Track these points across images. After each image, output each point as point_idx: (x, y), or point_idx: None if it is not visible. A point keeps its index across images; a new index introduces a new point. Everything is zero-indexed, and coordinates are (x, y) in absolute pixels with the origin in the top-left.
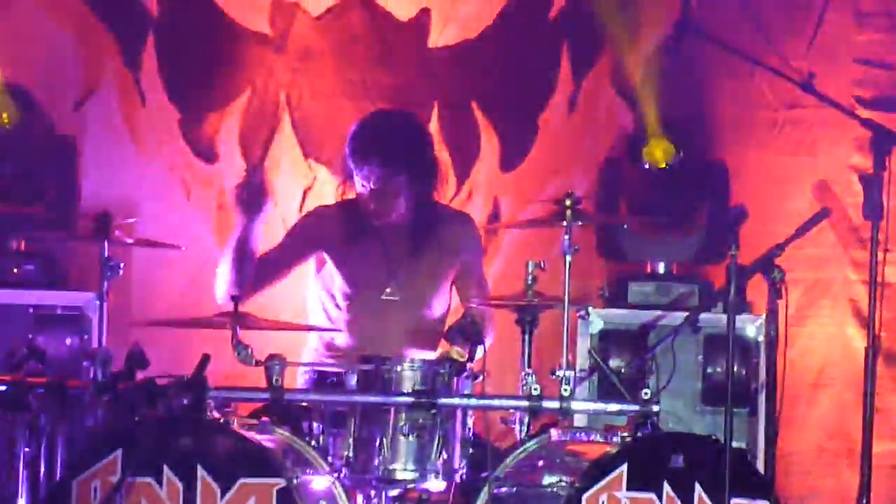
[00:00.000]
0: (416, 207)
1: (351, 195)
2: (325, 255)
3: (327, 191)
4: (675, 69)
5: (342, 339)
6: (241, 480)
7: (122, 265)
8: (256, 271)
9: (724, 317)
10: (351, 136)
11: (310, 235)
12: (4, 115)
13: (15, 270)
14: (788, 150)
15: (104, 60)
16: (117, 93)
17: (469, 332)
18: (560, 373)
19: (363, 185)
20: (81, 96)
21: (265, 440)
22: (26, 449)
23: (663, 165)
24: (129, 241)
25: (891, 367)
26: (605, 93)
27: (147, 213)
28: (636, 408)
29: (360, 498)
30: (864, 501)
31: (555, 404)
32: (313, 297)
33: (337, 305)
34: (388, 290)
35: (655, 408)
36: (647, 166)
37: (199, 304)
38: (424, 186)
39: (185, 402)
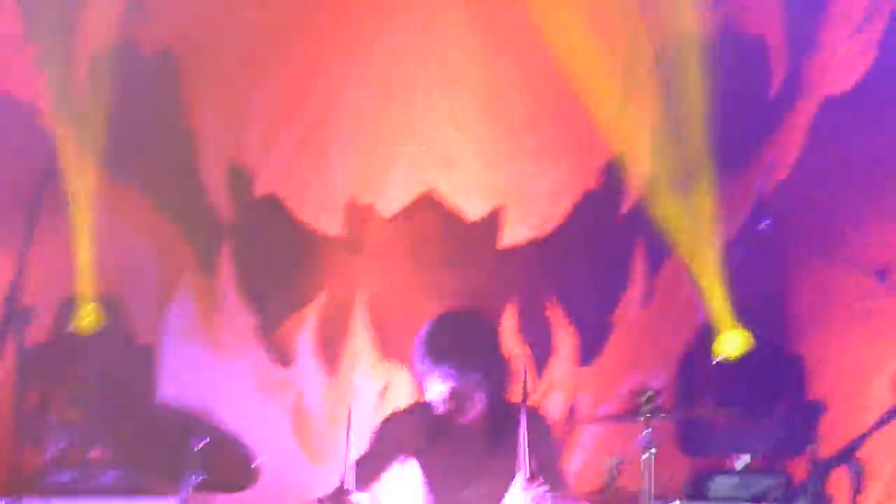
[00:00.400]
0: (489, 407)
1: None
2: (405, 460)
3: (405, 391)
4: (750, 262)
5: None
6: None
7: (195, 479)
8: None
9: None
10: (420, 339)
11: (388, 442)
12: (86, 322)
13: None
14: (867, 342)
15: (181, 269)
16: (194, 299)
17: None
18: None
19: (436, 388)
20: (158, 304)
21: None
22: None
23: (736, 357)
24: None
25: None
26: (682, 286)
27: (224, 417)
28: None
29: None
30: None
31: None
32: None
33: None
34: (465, 493)
35: None
36: (721, 359)
37: None
38: (497, 386)
39: None
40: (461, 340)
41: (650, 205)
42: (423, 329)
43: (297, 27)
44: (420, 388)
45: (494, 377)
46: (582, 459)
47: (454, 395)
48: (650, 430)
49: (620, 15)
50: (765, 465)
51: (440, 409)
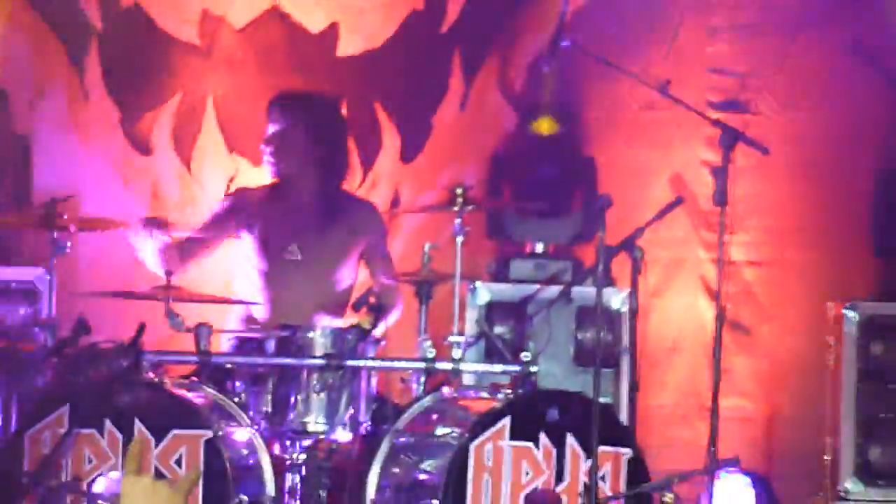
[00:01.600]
0: (324, 193)
1: (262, 182)
2: (245, 232)
3: (248, 179)
4: (554, 76)
5: (260, 313)
6: (174, 432)
7: (68, 245)
8: (185, 247)
9: (593, 290)
10: (269, 111)
11: (231, 212)
12: None
13: None
14: (648, 147)
15: (54, 65)
16: (65, 93)
17: (373, 304)
18: (452, 338)
19: (268, 143)
20: (34, 96)
21: (194, 397)
22: None
23: (549, 134)
24: (72, 228)
25: (734, 333)
26: (492, 96)
27: (91, 199)
28: (517, 368)
29: (277, 447)
30: (713, 449)
31: (447, 366)
32: (238, 272)
33: (256, 279)
34: (290, 248)
35: (534, 368)
36: (534, 138)
37: (137, 279)
38: (333, 173)
39: (125, 364)
40: (294, 96)
41: (468, 22)
42: (271, 103)
43: None
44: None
45: (335, 160)
46: (403, 244)
47: (277, 144)
48: (461, 219)
49: None
50: (559, 251)
51: (269, 154)
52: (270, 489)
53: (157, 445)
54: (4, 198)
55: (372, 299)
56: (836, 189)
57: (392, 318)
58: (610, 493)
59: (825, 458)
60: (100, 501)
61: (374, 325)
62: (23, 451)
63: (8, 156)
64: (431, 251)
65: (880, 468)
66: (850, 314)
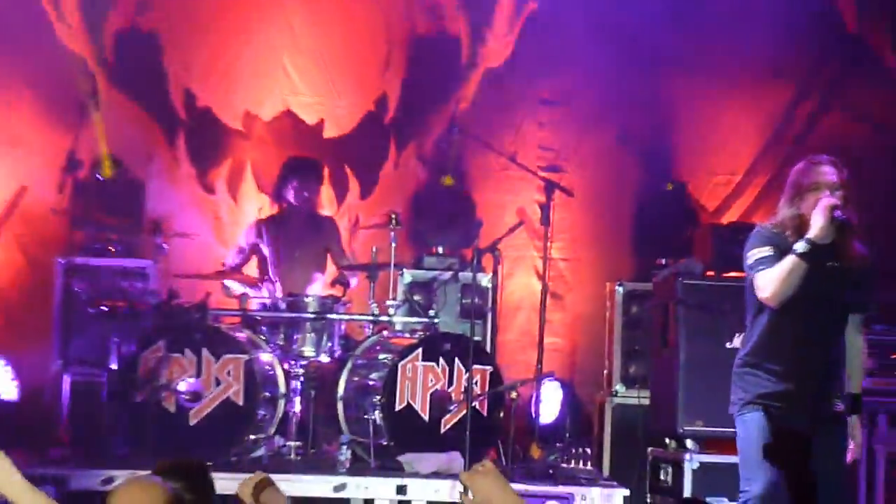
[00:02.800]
0: (309, 215)
1: (273, 211)
2: (263, 244)
3: (267, 209)
4: (449, 146)
5: (275, 286)
6: (225, 356)
7: (166, 246)
8: (237, 256)
9: (471, 274)
10: (288, 167)
11: (253, 234)
12: (107, 171)
13: (111, 249)
14: (504, 192)
15: (156, 143)
16: (164, 159)
17: (342, 281)
18: (389, 302)
19: (299, 192)
20: (144, 160)
21: (238, 335)
22: (116, 339)
23: (448, 185)
24: (170, 234)
25: (553, 299)
26: (412, 161)
27: (179, 220)
28: (426, 320)
29: (287, 365)
30: (540, 367)
31: (386, 318)
32: (260, 264)
33: (270, 267)
34: (297, 252)
35: (437, 320)
36: (438, 186)
37: (206, 266)
38: (315, 203)
39: (198, 316)
40: (311, 164)
41: (400, 117)
42: (286, 163)
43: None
44: (281, 198)
45: (317, 193)
46: (360, 247)
47: (310, 190)
48: (394, 232)
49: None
50: (452, 251)
51: (299, 202)
52: (283, 389)
53: (216, 363)
54: (131, 219)
55: (341, 278)
56: (611, 216)
57: (352, 287)
58: (479, 392)
59: (605, 371)
60: (182, 395)
61: (343, 294)
62: (139, 366)
63: (131, 194)
64: (376, 251)
65: (635, 377)
66: (619, 289)
